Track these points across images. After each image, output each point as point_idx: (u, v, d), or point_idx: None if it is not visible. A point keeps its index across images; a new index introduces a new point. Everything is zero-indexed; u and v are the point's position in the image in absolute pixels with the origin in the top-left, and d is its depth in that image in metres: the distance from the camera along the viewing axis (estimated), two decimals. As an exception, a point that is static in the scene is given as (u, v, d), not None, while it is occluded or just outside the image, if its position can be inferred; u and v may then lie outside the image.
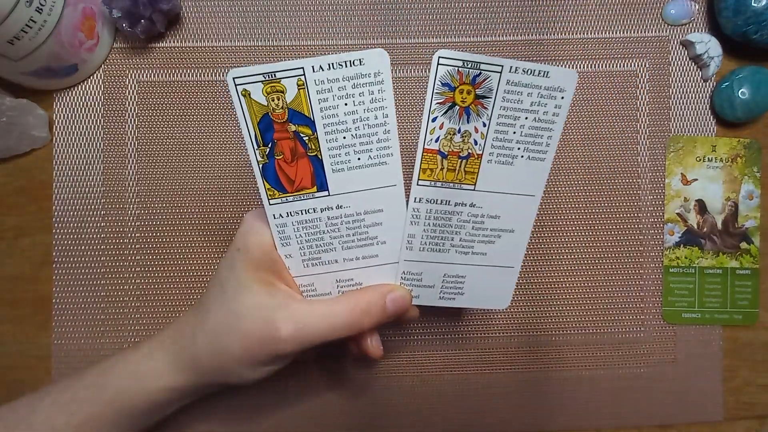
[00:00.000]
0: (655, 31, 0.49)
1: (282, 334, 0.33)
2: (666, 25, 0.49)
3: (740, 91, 0.47)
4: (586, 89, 0.49)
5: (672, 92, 0.49)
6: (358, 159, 0.34)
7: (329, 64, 0.31)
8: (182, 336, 0.37)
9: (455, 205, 0.35)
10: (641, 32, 0.49)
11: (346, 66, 0.31)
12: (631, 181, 0.49)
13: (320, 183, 0.34)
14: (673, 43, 0.49)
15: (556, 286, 0.48)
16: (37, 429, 0.35)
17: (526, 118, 0.34)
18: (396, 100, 0.33)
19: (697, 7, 0.49)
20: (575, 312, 0.48)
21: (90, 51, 0.45)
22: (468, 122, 0.33)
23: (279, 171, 0.34)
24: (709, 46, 0.48)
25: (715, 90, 0.48)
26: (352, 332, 0.35)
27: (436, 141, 0.33)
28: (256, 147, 0.33)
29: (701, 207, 0.49)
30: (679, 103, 0.49)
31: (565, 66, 0.48)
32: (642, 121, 0.49)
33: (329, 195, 0.35)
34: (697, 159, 0.49)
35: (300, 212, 0.35)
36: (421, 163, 0.34)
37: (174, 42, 0.48)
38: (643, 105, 0.49)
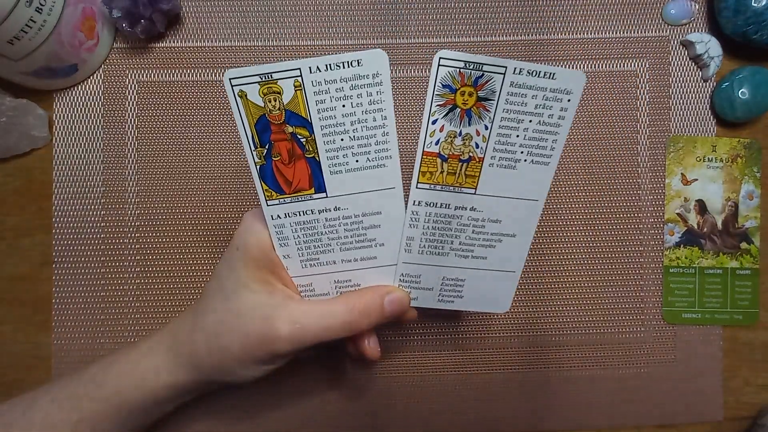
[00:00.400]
0: (655, 31, 0.49)
1: (280, 333, 0.34)
2: (666, 25, 0.49)
3: (740, 91, 0.46)
4: (586, 89, 0.48)
5: (672, 92, 0.49)
6: (356, 161, 0.34)
7: (327, 65, 0.31)
8: (181, 334, 0.37)
9: (455, 209, 0.35)
10: (641, 32, 0.49)
11: (343, 67, 0.31)
12: (631, 181, 0.49)
13: (318, 185, 0.34)
14: (673, 43, 0.49)
15: (556, 286, 0.48)
16: (36, 426, 0.35)
17: (531, 121, 0.33)
18: (395, 102, 0.32)
19: (697, 7, 0.49)
20: (575, 312, 0.48)
21: (90, 51, 0.45)
22: (469, 125, 0.33)
23: (276, 172, 0.34)
24: (709, 46, 0.48)
25: (715, 90, 0.48)
26: (350, 333, 0.35)
27: (436, 144, 0.33)
28: (253, 148, 0.33)
29: (701, 207, 0.49)
30: (679, 103, 0.49)
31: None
32: (642, 121, 0.49)
33: (327, 197, 0.35)
34: (697, 159, 0.49)
35: (298, 213, 0.35)
36: (420, 165, 0.33)
37: (174, 42, 0.48)
38: (643, 105, 0.49)
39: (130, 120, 0.47)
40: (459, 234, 0.36)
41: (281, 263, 0.37)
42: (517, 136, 0.33)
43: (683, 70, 0.49)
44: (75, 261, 0.47)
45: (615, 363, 0.48)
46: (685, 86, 0.49)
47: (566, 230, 0.48)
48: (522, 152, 0.34)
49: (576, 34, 0.49)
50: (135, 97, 0.47)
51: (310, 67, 0.31)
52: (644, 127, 0.49)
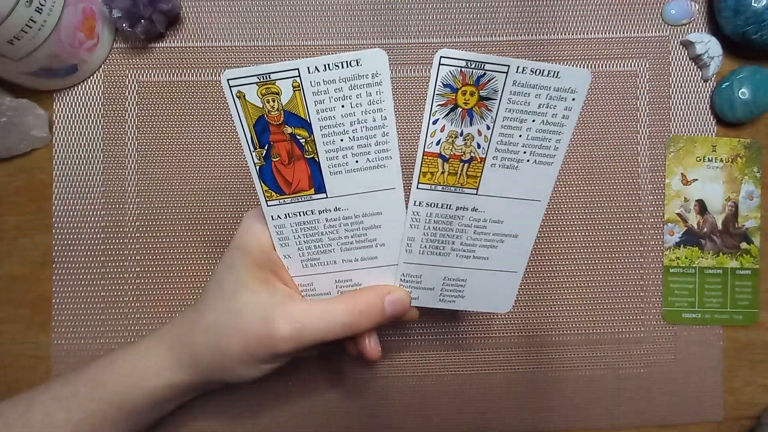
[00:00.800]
0: (655, 31, 0.49)
1: (280, 332, 0.33)
2: (666, 25, 0.49)
3: (740, 91, 0.46)
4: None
5: (672, 92, 0.49)
6: (356, 162, 0.33)
7: (325, 65, 0.31)
8: (181, 333, 0.37)
9: (456, 209, 0.35)
10: (641, 32, 0.49)
11: (342, 67, 0.31)
12: (631, 181, 0.49)
13: (318, 185, 0.34)
14: (673, 43, 0.49)
15: (556, 286, 0.48)
16: (35, 425, 0.35)
17: (534, 120, 0.32)
18: (396, 102, 0.32)
19: (697, 7, 0.49)
20: (575, 312, 0.48)
21: (90, 51, 0.45)
22: (471, 125, 0.32)
23: (276, 173, 0.34)
24: (709, 46, 0.48)
25: (715, 90, 0.48)
26: (350, 333, 0.35)
27: (437, 144, 0.33)
28: (252, 149, 0.33)
29: (701, 207, 0.49)
30: (679, 103, 0.49)
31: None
32: (642, 121, 0.49)
33: (327, 197, 0.34)
34: (697, 159, 0.49)
35: (298, 214, 0.35)
36: (421, 166, 0.33)
37: (174, 42, 0.48)
38: (643, 105, 0.49)
39: (130, 120, 0.47)
40: (460, 234, 0.36)
41: (281, 263, 0.37)
42: (520, 136, 0.33)
43: (683, 70, 0.49)
44: (75, 261, 0.47)
45: (615, 363, 0.48)
46: (685, 86, 0.49)
47: (566, 230, 0.48)
48: (525, 152, 0.33)
49: (576, 34, 0.49)
50: (135, 97, 0.47)
51: (308, 67, 0.31)
52: (644, 127, 0.49)
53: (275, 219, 0.35)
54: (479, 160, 0.33)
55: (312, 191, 0.34)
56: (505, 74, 0.31)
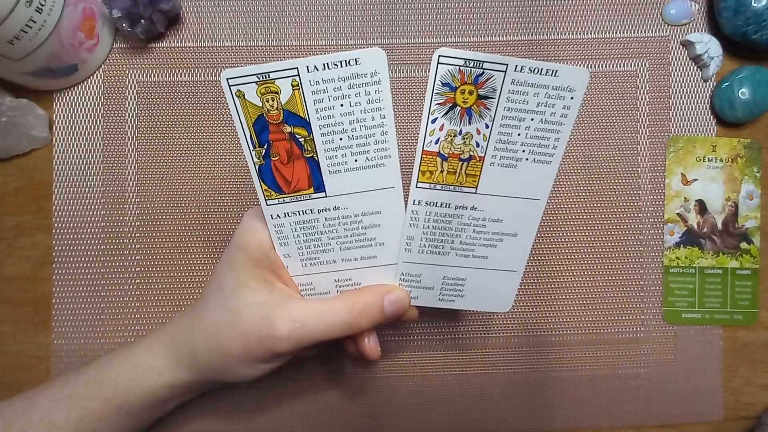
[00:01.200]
0: (655, 31, 0.49)
1: (279, 332, 0.34)
2: (666, 25, 0.49)
3: (740, 91, 0.46)
4: (585, 89, 0.48)
5: (672, 92, 0.49)
6: (355, 161, 0.33)
7: (324, 64, 0.31)
8: (181, 333, 0.37)
9: (456, 208, 0.35)
10: (641, 32, 0.49)
11: (341, 66, 0.31)
12: (631, 181, 0.49)
13: (317, 184, 0.34)
14: (673, 43, 0.49)
15: (556, 286, 0.48)
16: (35, 425, 0.35)
17: (532, 119, 0.32)
18: (395, 101, 0.32)
19: (697, 7, 0.49)
20: (575, 312, 0.48)
21: (90, 51, 0.45)
22: (470, 124, 0.32)
23: (275, 172, 0.34)
24: (709, 46, 0.48)
25: (715, 90, 0.48)
26: (350, 332, 0.35)
27: (436, 143, 0.33)
28: (252, 148, 0.33)
29: (701, 207, 0.49)
30: (679, 103, 0.49)
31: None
32: (642, 121, 0.49)
33: (326, 196, 0.34)
34: (697, 159, 0.49)
35: (297, 213, 0.35)
36: (420, 165, 0.33)
37: (174, 42, 0.48)
38: (643, 105, 0.49)
39: (130, 120, 0.47)
40: (460, 233, 0.36)
41: (281, 262, 0.37)
42: (519, 134, 0.33)
43: (683, 70, 0.49)
44: (75, 261, 0.47)
45: (615, 363, 0.48)
46: (685, 86, 0.49)
47: (566, 230, 0.48)
48: (524, 151, 0.33)
49: (576, 34, 0.49)
50: (135, 97, 0.47)
51: (307, 67, 0.31)
52: (644, 127, 0.49)
53: (274, 218, 0.35)
54: (478, 159, 0.33)
55: (311, 190, 0.34)
56: (503, 73, 0.31)
